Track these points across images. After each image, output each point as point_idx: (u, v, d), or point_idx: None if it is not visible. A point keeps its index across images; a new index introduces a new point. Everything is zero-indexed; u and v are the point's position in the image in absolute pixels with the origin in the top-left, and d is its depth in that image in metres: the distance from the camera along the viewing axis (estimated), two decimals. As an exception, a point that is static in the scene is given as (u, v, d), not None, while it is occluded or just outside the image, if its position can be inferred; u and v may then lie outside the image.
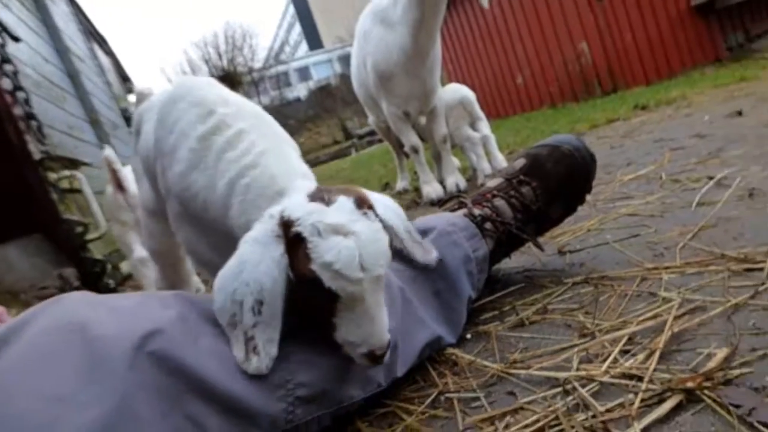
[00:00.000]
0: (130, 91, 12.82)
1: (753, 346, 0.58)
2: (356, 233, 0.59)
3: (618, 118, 3.47)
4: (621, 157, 1.94)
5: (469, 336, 0.85)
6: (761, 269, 0.73)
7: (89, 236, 2.51)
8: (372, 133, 19.29)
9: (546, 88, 6.76)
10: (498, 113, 8.00)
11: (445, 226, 0.89)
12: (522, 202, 0.99)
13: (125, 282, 2.81)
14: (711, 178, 1.23)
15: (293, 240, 0.60)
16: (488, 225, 0.95)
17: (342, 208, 0.61)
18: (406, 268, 0.86)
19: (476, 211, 0.95)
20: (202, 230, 0.88)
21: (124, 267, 2.92)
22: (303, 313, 0.64)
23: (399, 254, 0.88)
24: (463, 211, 0.97)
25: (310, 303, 0.62)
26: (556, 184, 0.99)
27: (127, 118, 6.82)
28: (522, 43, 7.26)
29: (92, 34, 7.57)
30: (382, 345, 0.61)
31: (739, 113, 1.90)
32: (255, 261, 0.60)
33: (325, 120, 28.82)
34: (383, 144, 12.94)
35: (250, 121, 0.81)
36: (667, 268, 0.83)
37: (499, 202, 0.99)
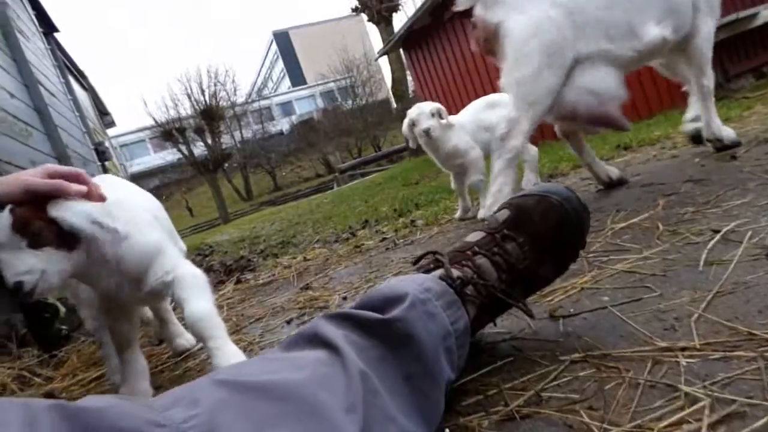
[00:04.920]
0: (108, 125, 12.70)
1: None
2: None
3: (601, 158, 3.41)
4: (609, 202, 1.83)
5: (447, 431, 0.70)
6: (802, 355, 0.60)
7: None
8: (354, 167, 19.30)
9: (527, 125, 6.78)
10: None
11: (418, 292, 0.74)
12: (507, 261, 0.85)
13: (82, 325, 2.58)
14: (716, 231, 1.11)
15: None
16: (470, 289, 0.81)
17: None
18: (373, 346, 0.70)
19: (455, 273, 0.81)
20: None
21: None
22: None
23: (364, 328, 0.73)
24: (440, 272, 0.83)
25: None
26: (545, 240, 0.86)
27: (101, 152, 6.64)
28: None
29: (69, 69, 7.46)
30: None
31: (734, 157, 1.82)
32: None
33: (307, 154, 28.91)
34: (364, 179, 12.83)
35: None
36: (683, 349, 0.70)
37: (482, 261, 0.85)
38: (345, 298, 1.63)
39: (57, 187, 0.80)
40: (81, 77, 8.77)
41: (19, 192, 0.78)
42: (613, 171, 2.16)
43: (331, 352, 0.67)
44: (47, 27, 6.24)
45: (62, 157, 4.27)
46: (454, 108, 8.91)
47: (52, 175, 0.81)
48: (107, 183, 1.35)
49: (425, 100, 9.60)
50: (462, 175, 2.61)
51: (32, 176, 0.80)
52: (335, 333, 0.70)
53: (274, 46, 40.75)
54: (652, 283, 0.99)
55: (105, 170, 6.53)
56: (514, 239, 0.86)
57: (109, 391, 1.39)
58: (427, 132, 2.38)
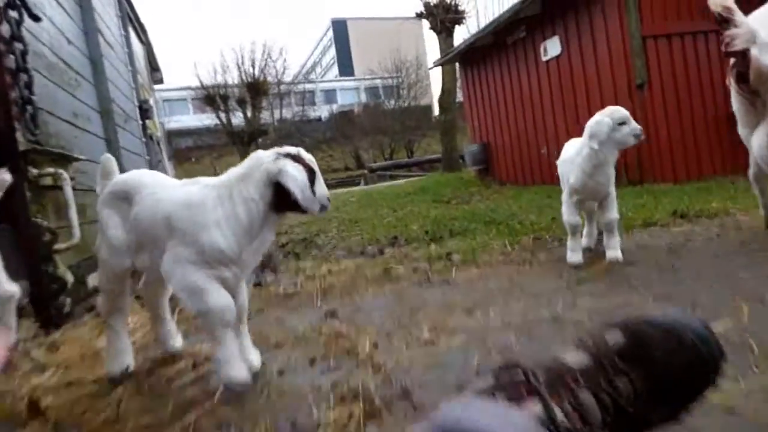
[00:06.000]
0: (157, 81, 12.77)
1: None
2: None
3: (656, 223, 3.22)
4: (680, 290, 1.65)
5: None
6: None
7: (57, 246, 2.20)
8: (386, 168, 19.19)
9: (572, 166, 6.57)
10: (517, 179, 7.81)
11: (511, 439, 0.59)
12: (615, 401, 0.69)
13: (88, 298, 2.48)
14: None
15: None
16: (568, 435, 0.65)
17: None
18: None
19: (558, 415, 0.65)
20: None
21: (91, 281, 2.59)
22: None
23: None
24: (537, 407, 0.66)
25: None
26: (667, 384, 0.70)
27: (145, 110, 6.60)
28: (553, 117, 7.13)
29: (131, 21, 7.45)
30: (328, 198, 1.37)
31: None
32: None
33: (340, 145, 28.89)
34: (393, 184, 12.65)
35: None
36: None
37: (586, 396, 0.69)
38: (376, 346, 1.48)
39: None
40: (141, 31, 8.79)
41: None
42: None
43: None
44: (116, -27, 6.22)
45: (105, 112, 4.20)
46: (500, 133, 8.69)
47: None
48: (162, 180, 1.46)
49: (472, 117, 9.42)
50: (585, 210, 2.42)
51: None
52: None
53: (330, 33, 40.92)
54: (761, 436, 0.82)
55: (144, 128, 6.50)
56: (627, 374, 0.70)
57: (103, 404, 1.26)
58: (639, 135, 2.12)
